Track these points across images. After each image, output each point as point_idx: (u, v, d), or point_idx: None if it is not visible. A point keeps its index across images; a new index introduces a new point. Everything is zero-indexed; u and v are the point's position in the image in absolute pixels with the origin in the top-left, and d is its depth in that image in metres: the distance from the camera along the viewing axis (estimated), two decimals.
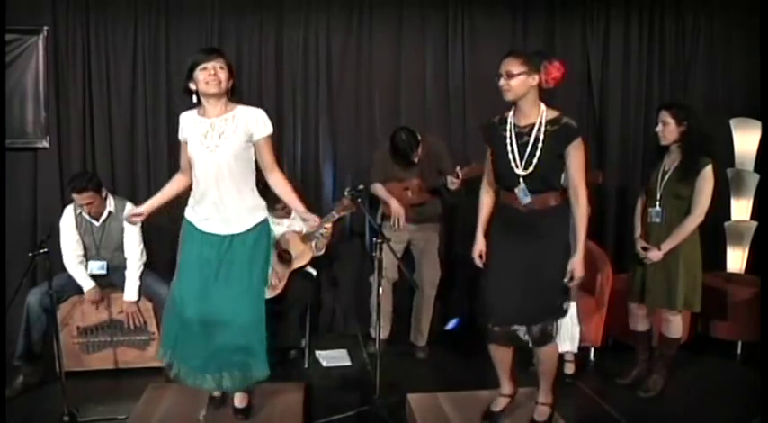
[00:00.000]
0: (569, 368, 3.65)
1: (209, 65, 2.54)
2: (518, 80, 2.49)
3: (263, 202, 2.79)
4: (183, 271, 2.75)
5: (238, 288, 2.70)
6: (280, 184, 2.76)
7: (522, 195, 2.59)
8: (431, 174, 3.93)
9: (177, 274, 2.78)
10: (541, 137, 2.52)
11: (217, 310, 2.68)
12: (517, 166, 2.57)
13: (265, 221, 2.78)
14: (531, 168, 2.54)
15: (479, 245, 2.82)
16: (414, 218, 3.97)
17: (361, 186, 3.59)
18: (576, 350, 3.59)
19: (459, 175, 3.71)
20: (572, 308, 3.52)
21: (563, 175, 2.58)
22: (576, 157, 2.53)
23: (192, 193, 2.75)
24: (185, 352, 2.75)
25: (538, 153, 2.52)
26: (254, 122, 2.66)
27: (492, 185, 2.79)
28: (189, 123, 2.68)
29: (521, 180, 2.57)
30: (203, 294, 2.69)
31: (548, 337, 2.66)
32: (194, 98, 2.63)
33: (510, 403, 2.92)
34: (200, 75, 2.55)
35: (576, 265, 2.55)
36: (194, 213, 2.74)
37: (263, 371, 2.75)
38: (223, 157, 2.61)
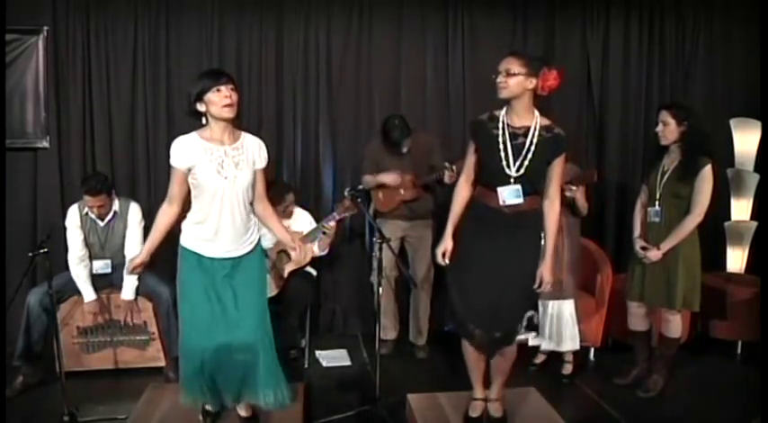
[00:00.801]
0: (567, 369, 3.67)
1: (224, 88, 2.51)
2: (516, 80, 2.49)
3: (255, 220, 2.80)
4: (194, 304, 2.66)
5: (255, 308, 2.72)
6: (268, 212, 2.82)
7: (513, 196, 2.57)
8: (423, 169, 3.92)
9: (187, 309, 2.67)
10: (536, 140, 2.54)
11: (238, 334, 2.66)
12: (509, 166, 2.56)
13: (259, 238, 2.82)
14: (522, 170, 2.55)
15: (447, 243, 2.75)
16: (406, 214, 3.96)
17: (360, 186, 3.59)
18: (577, 348, 3.60)
19: (454, 168, 3.71)
20: (571, 307, 3.53)
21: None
22: (559, 167, 2.59)
23: (194, 221, 2.65)
24: (216, 383, 2.72)
25: (530, 156, 2.54)
26: (258, 152, 2.70)
27: (470, 182, 2.75)
28: (195, 150, 2.56)
29: (512, 180, 2.56)
30: (222, 321, 2.65)
31: (511, 337, 2.69)
32: (203, 120, 2.58)
33: (486, 407, 2.91)
34: (214, 97, 2.50)
35: (545, 271, 2.60)
36: (201, 242, 2.65)
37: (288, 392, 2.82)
38: (241, 187, 2.62)
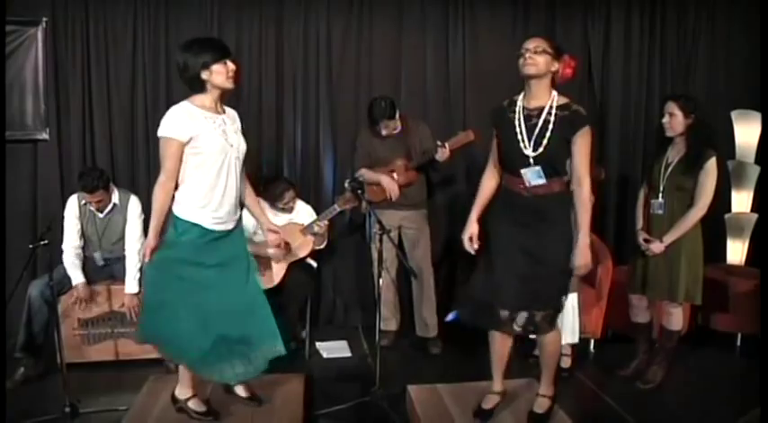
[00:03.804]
0: (566, 362, 3.63)
1: (229, 60, 2.55)
2: (544, 58, 2.47)
3: None
4: (192, 277, 2.62)
5: (250, 278, 2.78)
6: (247, 184, 2.84)
7: (535, 177, 2.55)
8: (416, 153, 3.90)
9: (178, 281, 2.61)
10: (552, 119, 2.50)
11: (237, 302, 2.70)
12: (526, 147, 2.54)
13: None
14: (540, 149, 2.51)
15: (472, 228, 2.76)
16: (401, 202, 3.95)
17: (361, 177, 3.58)
18: (576, 341, 3.59)
19: (447, 146, 3.70)
20: (573, 299, 3.51)
21: (568, 162, 2.56)
22: (582, 144, 2.51)
23: (199, 193, 2.59)
24: (212, 349, 2.69)
25: (548, 134, 2.50)
26: (238, 121, 2.75)
27: (497, 169, 2.75)
28: (196, 119, 2.52)
29: (531, 161, 2.53)
30: (223, 290, 2.67)
31: (549, 324, 2.64)
32: (204, 88, 2.56)
33: (500, 401, 2.91)
34: (220, 69, 2.52)
35: (579, 254, 2.52)
36: (207, 215, 2.61)
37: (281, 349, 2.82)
38: (240, 153, 2.66)
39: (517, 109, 2.59)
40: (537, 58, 2.47)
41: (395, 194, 3.87)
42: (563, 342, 3.50)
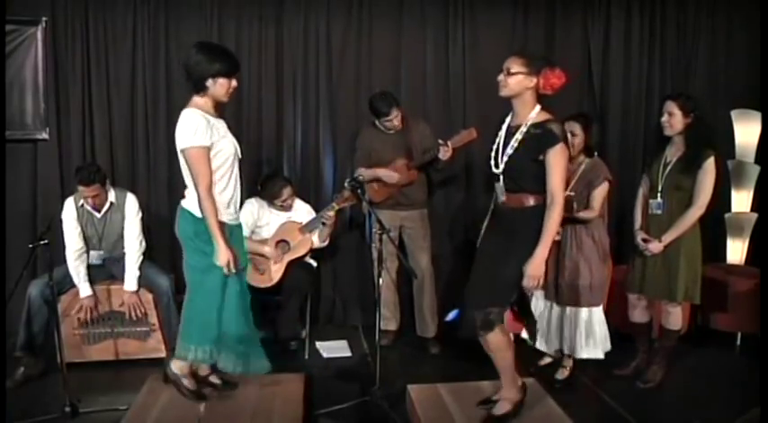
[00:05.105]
0: (562, 373, 3.51)
1: (234, 78, 2.65)
2: (515, 79, 2.51)
3: None
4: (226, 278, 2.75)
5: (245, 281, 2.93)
6: None
7: (500, 192, 2.66)
8: (417, 152, 3.89)
9: (216, 279, 2.72)
10: (520, 137, 2.55)
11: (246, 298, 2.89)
12: (496, 165, 2.63)
13: None
14: (502, 166, 2.60)
15: None
16: (401, 203, 3.95)
17: (360, 176, 3.59)
18: (608, 349, 3.44)
19: (449, 144, 3.71)
20: (599, 312, 3.41)
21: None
22: (551, 163, 2.49)
23: (224, 195, 2.70)
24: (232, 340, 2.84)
25: (510, 152, 2.56)
26: None
27: None
28: (211, 123, 2.61)
29: (498, 177, 2.63)
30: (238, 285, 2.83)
31: (490, 324, 2.62)
32: (201, 93, 2.63)
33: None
34: (225, 83, 2.63)
35: (531, 263, 2.50)
36: (225, 211, 2.71)
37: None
38: (239, 152, 2.78)
39: (504, 125, 2.66)
40: (507, 80, 2.53)
41: (396, 179, 3.86)
42: (595, 356, 3.43)
